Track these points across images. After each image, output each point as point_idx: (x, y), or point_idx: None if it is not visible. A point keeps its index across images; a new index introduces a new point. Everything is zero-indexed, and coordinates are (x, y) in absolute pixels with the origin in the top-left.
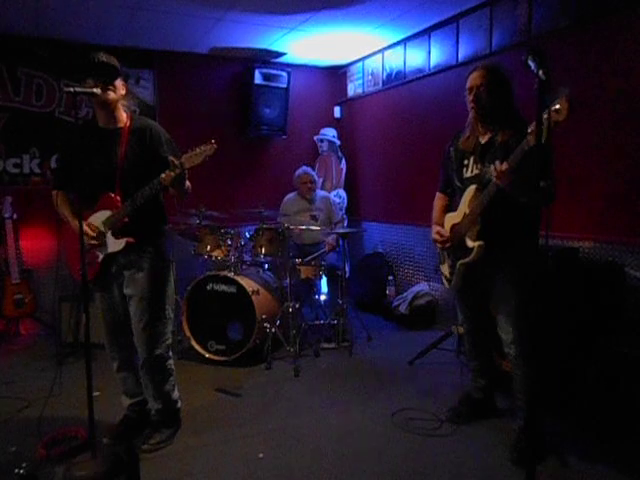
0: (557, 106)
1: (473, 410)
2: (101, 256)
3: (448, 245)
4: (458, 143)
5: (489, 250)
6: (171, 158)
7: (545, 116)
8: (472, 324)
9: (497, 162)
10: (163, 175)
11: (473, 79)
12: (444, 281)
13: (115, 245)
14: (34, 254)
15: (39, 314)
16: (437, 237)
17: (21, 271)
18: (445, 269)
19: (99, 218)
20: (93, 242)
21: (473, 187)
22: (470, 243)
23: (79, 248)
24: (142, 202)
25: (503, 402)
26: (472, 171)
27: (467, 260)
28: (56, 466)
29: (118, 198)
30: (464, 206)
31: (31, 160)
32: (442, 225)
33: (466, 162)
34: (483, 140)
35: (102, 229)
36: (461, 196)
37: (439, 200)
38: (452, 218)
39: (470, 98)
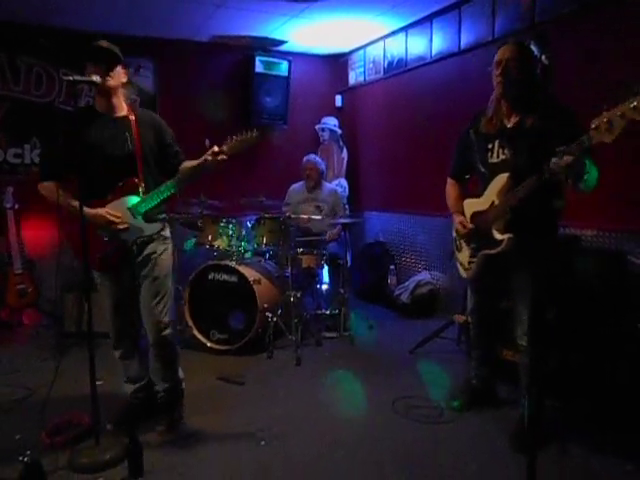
0: (635, 103)
1: (474, 398)
2: (130, 241)
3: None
4: (480, 125)
5: (515, 243)
6: (216, 147)
7: (619, 113)
8: (482, 314)
9: (556, 159)
10: (209, 159)
11: (503, 52)
12: (460, 269)
13: (149, 228)
14: (36, 244)
15: (42, 304)
16: (460, 228)
17: (23, 261)
18: (463, 257)
19: (123, 204)
20: (123, 227)
21: (505, 176)
22: (498, 235)
23: (92, 235)
24: (187, 184)
25: (503, 391)
26: (498, 156)
27: (494, 252)
28: (60, 453)
29: (142, 184)
30: (492, 195)
31: (32, 150)
32: (462, 213)
33: (490, 146)
34: (509, 123)
35: (128, 214)
36: (486, 182)
37: (453, 187)
38: (474, 205)
39: (498, 72)
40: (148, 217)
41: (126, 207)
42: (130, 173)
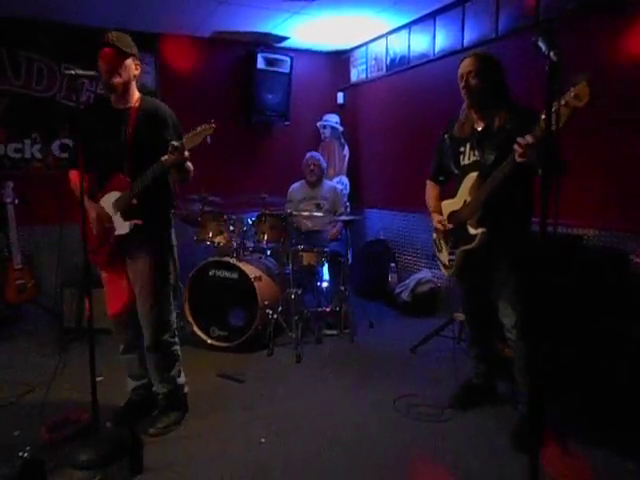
0: (576, 92)
1: (474, 396)
2: (111, 238)
3: (449, 232)
4: (453, 130)
5: (490, 236)
6: (172, 142)
7: (563, 102)
8: (472, 310)
9: (520, 139)
10: (164, 158)
11: (464, 66)
12: (442, 268)
13: (122, 227)
14: (36, 239)
15: (41, 299)
16: (440, 226)
17: (23, 256)
18: (443, 256)
19: (110, 199)
20: (108, 225)
21: (475, 174)
22: (472, 230)
23: (91, 231)
24: (146, 185)
25: (504, 389)
26: (469, 158)
27: (469, 247)
28: (60, 450)
29: (128, 179)
30: (464, 193)
31: (32, 145)
32: (440, 213)
33: (462, 149)
34: (479, 127)
35: (112, 210)
36: (459, 183)
37: (432, 188)
38: (450, 205)
39: (461, 85)
40: (124, 215)
41: (111, 202)
42: (120, 167)
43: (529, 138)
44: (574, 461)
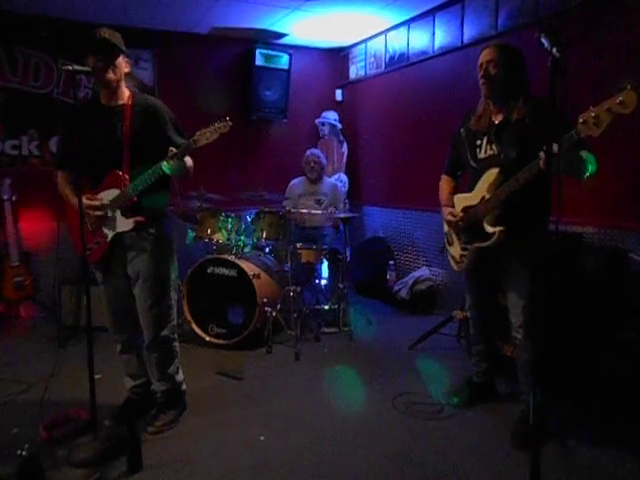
0: (622, 98)
1: (474, 394)
2: (110, 236)
3: (460, 226)
4: (469, 123)
5: (506, 235)
6: (171, 149)
7: (606, 107)
8: (480, 309)
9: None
10: (164, 164)
11: (484, 56)
12: (452, 263)
13: (124, 224)
14: (34, 236)
15: (39, 297)
16: (451, 218)
17: (21, 254)
18: (455, 251)
19: (106, 197)
20: (98, 213)
21: (496, 171)
22: (490, 228)
23: (84, 227)
24: (147, 185)
25: (503, 387)
26: (486, 151)
27: (486, 244)
28: (58, 448)
29: (127, 176)
30: (482, 190)
31: (30, 142)
32: (452, 206)
33: (479, 142)
34: (497, 120)
35: (108, 207)
36: (476, 178)
37: (446, 182)
38: (465, 200)
39: (480, 74)
40: (124, 212)
41: (108, 200)
42: (118, 164)
43: (555, 148)
44: (574, 459)
